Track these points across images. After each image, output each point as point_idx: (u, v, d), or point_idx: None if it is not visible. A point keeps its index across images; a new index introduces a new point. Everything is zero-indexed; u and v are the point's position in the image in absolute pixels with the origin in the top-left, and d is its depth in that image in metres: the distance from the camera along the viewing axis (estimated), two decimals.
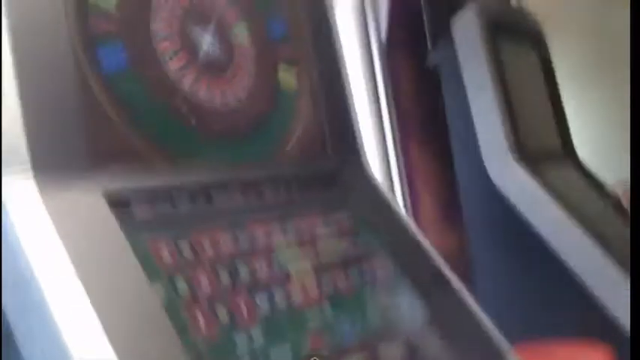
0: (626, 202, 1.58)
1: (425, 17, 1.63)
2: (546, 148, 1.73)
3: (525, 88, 1.73)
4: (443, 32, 1.63)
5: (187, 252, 0.65)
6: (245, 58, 0.85)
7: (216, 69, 0.80)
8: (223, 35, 0.83)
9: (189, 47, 0.78)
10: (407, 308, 0.82)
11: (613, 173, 1.81)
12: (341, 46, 1.04)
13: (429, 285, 0.86)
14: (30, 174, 0.56)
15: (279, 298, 0.69)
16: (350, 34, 1.64)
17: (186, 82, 0.76)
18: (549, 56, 1.92)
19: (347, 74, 1.03)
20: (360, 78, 1.63)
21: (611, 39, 2.19)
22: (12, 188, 0.55)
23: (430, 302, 0.84)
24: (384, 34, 1.66)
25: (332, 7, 1.05)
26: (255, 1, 0.90)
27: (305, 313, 0.70)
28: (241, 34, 0.86)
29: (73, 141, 0.61)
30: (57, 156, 0.60)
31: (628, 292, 1.12)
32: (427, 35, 1.63)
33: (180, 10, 0.78)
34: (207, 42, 0.81)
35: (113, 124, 0.67)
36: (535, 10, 1.98)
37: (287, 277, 0.72)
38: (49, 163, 0.58)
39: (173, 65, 0.75)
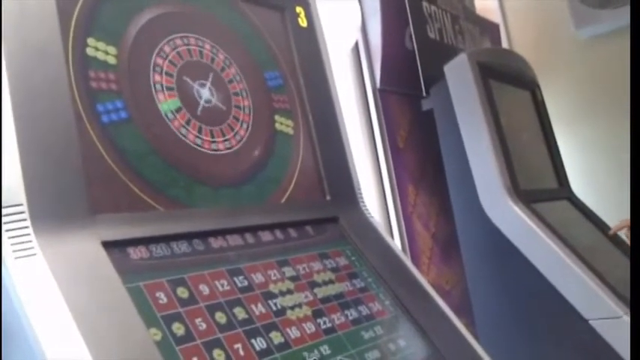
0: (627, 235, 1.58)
1: (418, 63, 1.67)
2: (542, 186, 1.75)
3: (519, 130, 1.75)
4: (436, 77, 1.66)
5: (184, 295, 0.66)
6: (242, 108, 0.88)
7: (214, 119, 0.83)
8: (221, 87, 0.86)
9: (188, 99, 0.81)
10: (405, 345, 0.82)
11: (609, 207, 1.82)
12: (337, 94, 1.06)
13: (427, 321, 0.87)
14: (28, 222, 0.58)
15: (275, 338, 0.69)
16: (345, 79, 1.67)
17: (184, 132, 0.78)
18: (542, 97, 1.96)
19: (343, 121, 1.06)
20: (356, 122, 1.66)
21: (600, 77, 2.23)
22: (10, 236, 0.57)
23: (428, 338, 0.84)
24: (378, 80, 1.69)
25: (327, 57, 1.08)
26: (252, 55, 0.93)
27: (302, 352, 0.70)
28: (239, 85, 0.89)
29: (72, 190, 0.63)
30: (55, 205, 0.61)
31: (625, 323, 1.12)
32: (421, 80, 1.66)
33: (180, 64, 0.81)
34: (205, 94, 0.83)
35: (112, 173, 0.69)
36: (525, 52, 2.02)
37: (284, 318, 0.73)
38: (47, 212, 0.60)
39: (171, 116, 0.77)
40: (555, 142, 1.92)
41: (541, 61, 2.14)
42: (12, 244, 0.56)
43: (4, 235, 0.57)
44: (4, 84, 0.60)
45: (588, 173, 2.20)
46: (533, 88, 1.94)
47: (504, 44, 2.44)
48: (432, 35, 1.82)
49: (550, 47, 2.37)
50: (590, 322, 1.34)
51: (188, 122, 0.79)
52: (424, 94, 1.70)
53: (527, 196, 1.53)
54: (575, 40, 2.32)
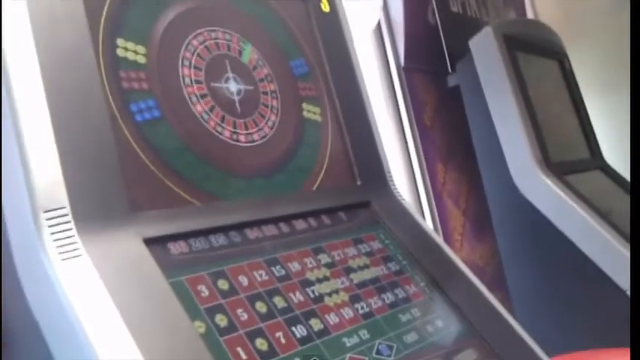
0: None
1: (442, 38, 1.66)
2: (574, 157, 1.73)
3: (549, 101, 1.73)
4: (461, 52, 1.65)
5: (224, 287, 0.68)
6: (269, 93, 0.89)
7: (243, 111, 0.84)
8: (249, 78, 0.87)
9: (217, 92, 0.82)
10: (442, 325, 0.83)
11: None
12: (362, 78, 1.06)
13: (463, 301, 0.87)
14: (72, 224, 0.60)
15: (315, 325, 0.71)
16: (369, 59, 1.67)
17: (216, 126, 0.79)
18: (570, 66, 1.93)
19: (370, 104, 1.06)
20: (382, 102, 1.66)
21: (628, 43, 2.18)
22: (55, 238, 0.59)
23: (466, 317, 0.85)
24: (402, 58, 1.68)
25: (352, 41, 1.08)
26: (278, 44, 0.94)
27: (342, 337, 0.72)
28: (265, 75, 0.90)
29: (111, 189, 0.65)
30: (96, 204, 0.63)
31: None
32: (445, 56, 1.65)
33: (208, 58, 0.82)
34: (233, 86, 0.84)
35: (148, 171, 0.70)
36: (550, 21, 1.98)
37: (322, 305, 0.74)
38: (89, 213, 0.62)
39: (202, 110, 0.79)
40: (586, 112, 1.90)
41: (567, 29, 2.10)
42: (57, 247, 0.58)
43: (50, 237, 0.58)
44: (39, 90, 0.62)
45: (621, 141, 2.17)
46: (561, 58, 1.91)
47: (529, 14, 2.39)
48: (454, 9, 1.80)
49: (576, 15, 2.32)
50: (628, 292, 1.34)
51: (219, 116, 0.80)
52: (450, 70, 1.69)
53: (559, 168, 1.52)
54: (601, 6, 2.27)
